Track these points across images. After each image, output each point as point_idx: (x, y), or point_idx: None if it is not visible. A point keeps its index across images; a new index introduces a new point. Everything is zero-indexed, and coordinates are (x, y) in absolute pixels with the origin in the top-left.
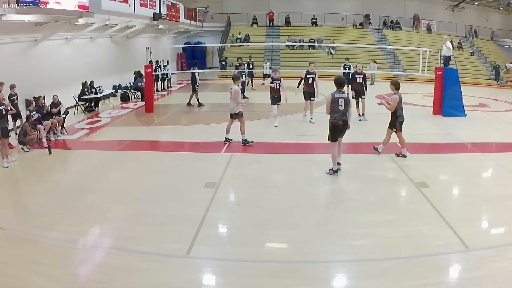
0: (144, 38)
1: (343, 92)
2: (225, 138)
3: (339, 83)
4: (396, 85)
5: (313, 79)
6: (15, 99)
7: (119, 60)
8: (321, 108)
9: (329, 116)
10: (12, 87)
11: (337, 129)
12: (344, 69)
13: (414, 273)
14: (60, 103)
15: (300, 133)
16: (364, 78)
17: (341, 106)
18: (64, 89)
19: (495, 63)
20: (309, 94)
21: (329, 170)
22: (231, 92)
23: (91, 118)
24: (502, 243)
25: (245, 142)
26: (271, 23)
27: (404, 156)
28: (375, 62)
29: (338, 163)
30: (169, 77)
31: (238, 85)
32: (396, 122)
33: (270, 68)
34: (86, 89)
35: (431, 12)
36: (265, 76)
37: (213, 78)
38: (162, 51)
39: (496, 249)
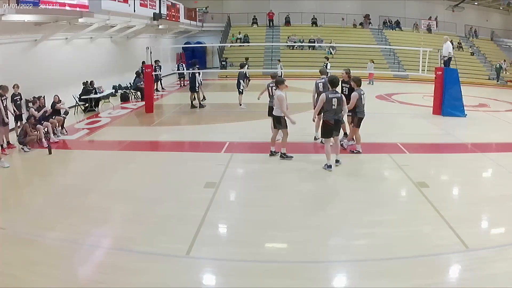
0: (144, 38)
1: (336, 92)
2: (271, 151)
3: (333, 83)
4: (357, 82)
5: (348, 88)
6: (18, 99)
7: (119, 60)
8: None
9: (322, 114)
10: (15, 87)
11: (328, 127)
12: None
13: (414, 273)
14: (60, 101)
15: (300, 133)
16: (352, 89)
17: (334, 105)
18: (64, 89)
19: (498, 63)
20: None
21: (324, 165)
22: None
23: (91, 118)
24: (502, 243)
25: (283, 156)
26: (271, 23)
27: (359, 152)
28: (373, 62)
29: (337, 161)
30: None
31: (282, 90)
32: (354, 118)
33: (281, 69)
34: (87, 88)
35: (431, 12)
36: None
37: (213, 78)
38: (162, 51)
39: (496, 249)
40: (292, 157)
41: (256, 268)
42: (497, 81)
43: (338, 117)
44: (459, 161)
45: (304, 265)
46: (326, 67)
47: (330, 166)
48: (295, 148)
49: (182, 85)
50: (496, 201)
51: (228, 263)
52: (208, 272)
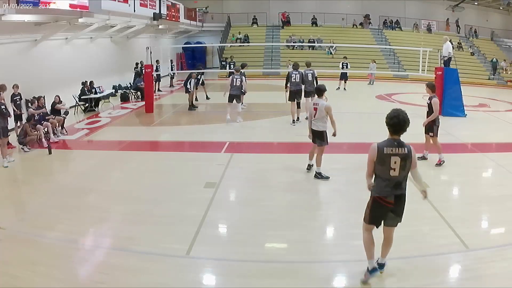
0: (144, 38)
1: (400, 144)
2: (309, 165)
3: (396, 126)
4: (432, 88)
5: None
6: (17, 99)
7: (119, 60)
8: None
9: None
10: (14, 87)
11: (380, 206)
12: (342, 67)
13: (414, 273)
14: (61, 102)
15: (300, 133)
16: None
17: (394, 169)
18: (64, 89)
19: (492, 59)
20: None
21: (364, 275)
22: (316, 109)
23: (91, 118)
24: (502, 243)
25: (318, 176)
26: (284, 25)
27: (443, 162)
28: (375, 62)
29: (381, 266)
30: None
31: (325, 99)
32: (433, 127)
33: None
34: (86, 89)
35: (431, 12)
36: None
37: (213, 78)
38: (162, 51)
39: (496, 249)
40: (328, 178)
41: (256, 268)
42: (493, 75)
43: (402, 190)
44: (459, 161)
45: (304, 265)
46: (347, 66)
47: (373, 270)
48: (295, 148)
49: (171, 84)
50: (496, 201)
51: (228, 263)
52: (208, 272)
